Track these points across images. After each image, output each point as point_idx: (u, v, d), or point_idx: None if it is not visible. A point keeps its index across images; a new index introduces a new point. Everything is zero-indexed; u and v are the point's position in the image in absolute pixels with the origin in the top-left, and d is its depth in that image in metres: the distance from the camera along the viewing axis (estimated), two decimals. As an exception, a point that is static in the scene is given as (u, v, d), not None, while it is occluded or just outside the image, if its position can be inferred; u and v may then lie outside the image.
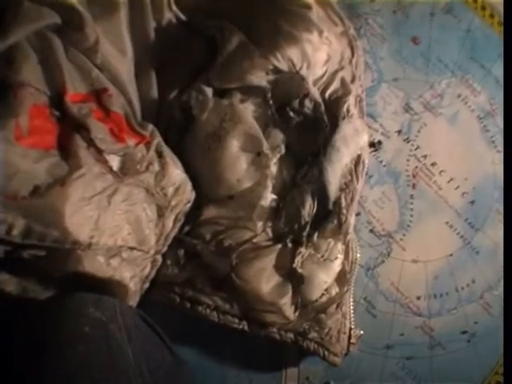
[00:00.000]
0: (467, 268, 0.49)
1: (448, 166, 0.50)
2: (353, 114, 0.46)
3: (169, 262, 0.44)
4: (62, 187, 0.35)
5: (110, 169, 0.39)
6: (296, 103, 0.46)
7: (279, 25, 0.44)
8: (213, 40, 0.46)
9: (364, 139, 0.46)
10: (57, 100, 0.38)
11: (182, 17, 0.47)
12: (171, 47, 0.46)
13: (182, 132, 0.45)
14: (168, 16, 0.46)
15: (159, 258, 0.44)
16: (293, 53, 0.43)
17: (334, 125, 0.46)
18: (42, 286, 0.39)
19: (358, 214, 0.48)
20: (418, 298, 0.48)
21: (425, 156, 0.50)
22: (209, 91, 0.45)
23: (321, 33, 0.45)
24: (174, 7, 0.46)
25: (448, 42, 0.52)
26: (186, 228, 0.44)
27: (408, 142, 0.50)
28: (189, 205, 0.44)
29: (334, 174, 0.44)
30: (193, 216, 0.45)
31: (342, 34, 0.49)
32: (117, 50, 0.42)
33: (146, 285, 0.44)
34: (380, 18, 0.52)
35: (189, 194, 0.44)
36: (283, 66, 0.43)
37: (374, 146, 0.49)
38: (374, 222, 0.48)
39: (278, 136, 0.45)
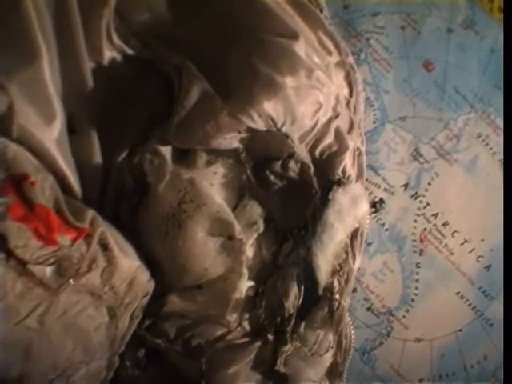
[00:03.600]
0: (479, 343, 0.42)
1: (462, 226, 0.42)
2: (350, 177, 0.37)
3: (128, 363, 0.37)
4: (-28, 320, 0.28)
5: (40, 281, 0.30)
6: (278, 165, 0.36)
7: (255, 65, 0.34)
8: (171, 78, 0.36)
9: (363, 209, 0.37)
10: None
11: (130, 51, 0.36)
12: (117, 93, 0.36)
13: (136, 203, 0.36)
14: (109, 54, 0.35)
15: (116, 359, 0.36)
16: (272, 107, 0.33)
17: (327, 189, 0.37)
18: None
19: (353, 291, 0.40)
20: (421, 380, 0.42)
21: (435, 215, 0.41)
22: (166, 151, 0.35)
23: (310, 73, 0.35)
24: (118, 40, 0.35)
25: (468, 66, 0.42)
26: (147, 322, 0.37)
27: (416, 198, 0.41)
28: (147, 298, 0.36)
29: (325, 258, 0.36)
30: (155, 305, 0.37)
31: (337, 66, 0.39)
32: (40, 114, 0.32)
33: (104, 387, 0.37)
34: (385, 36, 0.41)
35: (146, 286, 0.35)
36: (259, 125, 0.33)
37: (375, 206, 0.40)
38: (372, 298, 0.41)
39: (256, 210, 0.36)
